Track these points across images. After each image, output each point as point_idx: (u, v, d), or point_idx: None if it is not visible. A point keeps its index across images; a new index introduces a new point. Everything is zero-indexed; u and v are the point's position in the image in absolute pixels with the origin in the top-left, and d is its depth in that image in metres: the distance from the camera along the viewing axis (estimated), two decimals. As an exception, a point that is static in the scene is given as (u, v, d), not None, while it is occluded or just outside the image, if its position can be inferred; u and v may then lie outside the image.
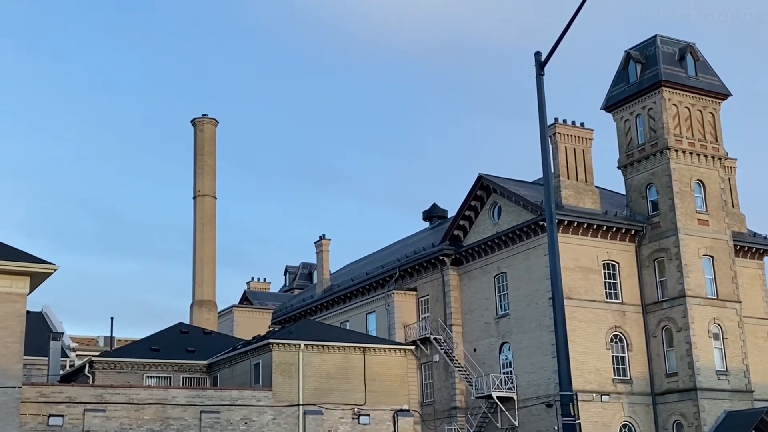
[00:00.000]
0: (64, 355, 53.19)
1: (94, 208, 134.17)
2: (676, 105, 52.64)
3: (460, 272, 56.07)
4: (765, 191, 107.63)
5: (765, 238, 57.47)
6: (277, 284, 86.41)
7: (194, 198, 66.12)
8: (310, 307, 67.38)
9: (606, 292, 50.64)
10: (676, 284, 49.86)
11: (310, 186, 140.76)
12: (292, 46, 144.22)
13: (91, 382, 41.99)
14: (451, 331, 55.18)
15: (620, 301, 50.92)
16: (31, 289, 32.48)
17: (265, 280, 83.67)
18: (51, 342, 44.94)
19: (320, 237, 68.10)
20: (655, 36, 54.08)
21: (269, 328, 67.62)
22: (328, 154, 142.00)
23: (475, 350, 54.20)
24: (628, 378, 49.65)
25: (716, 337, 49.96)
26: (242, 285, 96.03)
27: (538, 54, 20.73)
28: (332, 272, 72.64)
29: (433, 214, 69.78)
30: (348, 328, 58.71)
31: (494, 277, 53.65)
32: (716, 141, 53.32)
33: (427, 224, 70.47)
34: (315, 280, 75.29)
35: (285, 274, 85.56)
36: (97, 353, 50.02)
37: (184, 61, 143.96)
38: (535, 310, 50.37)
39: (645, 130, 52.85)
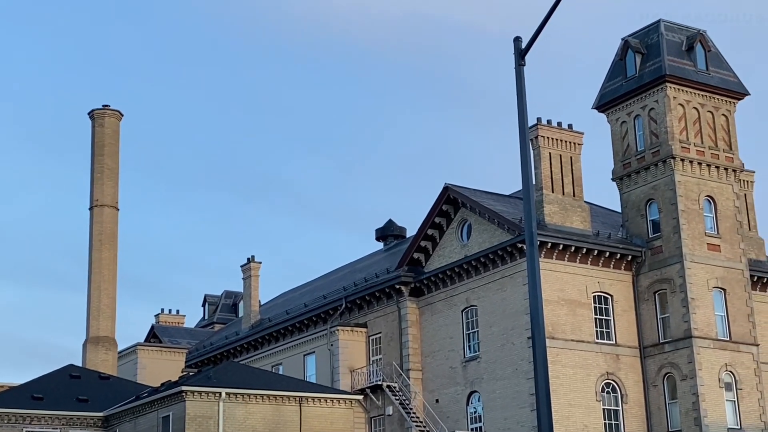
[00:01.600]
0: None
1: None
2: (682, 105, 53.52)
3: (420, 305, 56.21)
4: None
5: (787, 267, 58.52)
6: (194, 317, 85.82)
7: (90, 209, 65.35)
8: (235, 346, 66.99)
9: (597, 331, 51.17)
10: (681, 322, 50.59)
11: (238, 198, 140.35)
12: (222, 31, 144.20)
13: (-45, 439, 41.13)
14: (409, 378, 55.22)
15: (614, 342, 51.48)
16: None
17: (178, 312, 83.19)
18: None
19: (248, 260, 67.82)
20: (659, 21, 54.97)
21: (182, 372, 66.98)
22: (260, 160, 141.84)
23: (437, 401, 54.30)
24: (623, 436, 50.18)
25: (728, 387, 50.76)
26: (149, 318, 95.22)
27: (517, 40, 20.90)
28: (263, 303, 72.36)
29: (388, 232, 69.96)
30: (281, 372, 58.46)
31: (462, 311, 53.88)
32: (730, 149, 54.33)
33: (381, 245, 70.61)
34: (241, 313, 74.89)
35: (204, 305, 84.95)
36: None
37: (84, 44, 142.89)
38: (511, 353, 50.67)
39: (645, 135, 53.65)
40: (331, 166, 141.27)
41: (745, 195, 58.57)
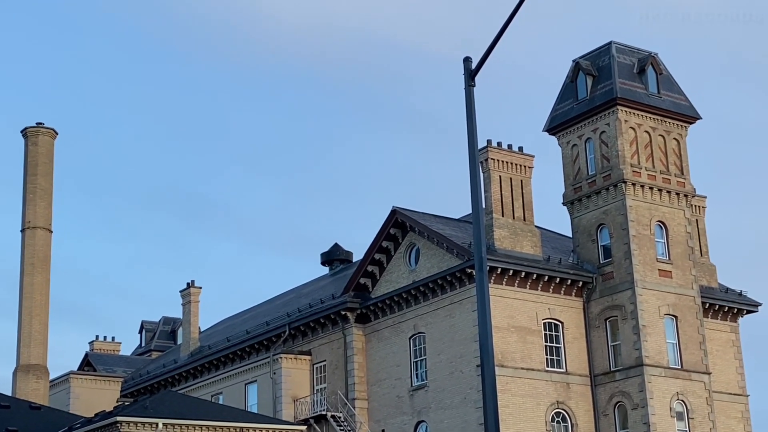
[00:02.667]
0: None
1: None
2: (633, 128, 54.37)
3: (366, 331, 56.26)
4: (740, 237, 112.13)
5: (740, 294, 59.54)
6: (130, 345, 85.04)
7: (22, 231, 64.58)
8: (173, 374, 66.47)
9: (547, 359, 51.61)
10: (632, 350, 51.20)
11: (179, 222, 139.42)
12: (164, 51, 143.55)
13: None
14: (354, 407, 55.17)
15: (564, 370, 51.96)
16: None
17: (114, 339, 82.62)
18: None
19: (188, 284, 67.41)
20: (610, 43, 55.89)
21: (118, 401, 66.32)
22: (203, 183, 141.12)
23: (383, 431, 54.29)
24: (573, 467, 50.60)
25: (680, 416, 51.40)
26: (83, 345, 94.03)
27: (467, 60, 21.17)
28: (202, 330, 71.91)
29: (334, 257, 70.00)
30: (221, 402, 58.04)
31: (409, 338, 54.03)
32: (682, 174, 55.26)
33: (326, 270, 70.58)
34: (179, 340, 74.32)
35: (141, 332, 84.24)
36: None
37: (18, 61, 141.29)
38: (460, 381, 50.90)
39: (596, 159, 54.37)
40: (275, 189, 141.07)
41: (697, 220, 59.40)
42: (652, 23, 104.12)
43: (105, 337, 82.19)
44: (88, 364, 76.84)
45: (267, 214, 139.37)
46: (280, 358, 57.56)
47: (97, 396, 69.60)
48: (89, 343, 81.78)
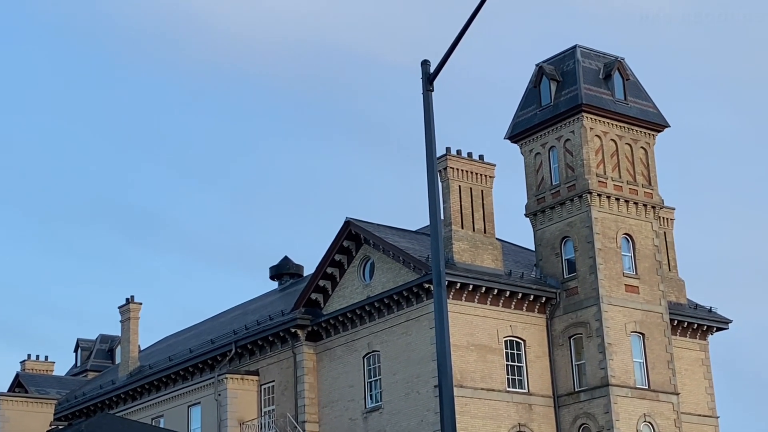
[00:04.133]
0: None
1: None
2: (599, 136, 54.43)
3: (318, 350, 55.83)
4: (710, 251, 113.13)
5: (710, 311, 59.83)
6: (65, 364, 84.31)
7: (-51, 242, 63.52)
8: (110, 396, 65.60)
9: (508, 379, 51.46)
10: (597, 369, 51.18)
11: (117, 237, 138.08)
12: (103, 59, 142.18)
13: None
14: (304, 431, 54.71)
15: (526, 390, 51.82)
16: None
17: (47, 358, 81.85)
18: None
19: (127, 300, 66.65)
20: (575, 47, 55.97)
21: (51, 425, 65.53)
22: (141, 195, 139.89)
23: (335, 456, 53.90)
24: (536, 493, 50.45)
25: (647, 438, 51.45)
26: (14, 365, 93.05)
27: (425, 63, 20.99)
28: (142, 349, 71.15)
29: (283, 271, 69.58)
30: (162, 425, 57.51)
31: (363, 357, 53.66)
32: (649, 184, 55.40)
33: (275, 285, 70.13)
34: (118, 360, 73.63)
35: (76, 351, 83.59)
36: None
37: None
38: (417, 402, 50.59)
39: (560, 168, 54.36)
40: (221, 201, 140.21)
41: (665, 233, 59.56)
42: (648, 25, 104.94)
43: (37, 356, 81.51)
44: (19, 385, 75.88)
45: (212, 226, 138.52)
46: (226, 378, 57.00)
47: (29, 419, 68.77)
48: (20, 362, 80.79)
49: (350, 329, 54.33)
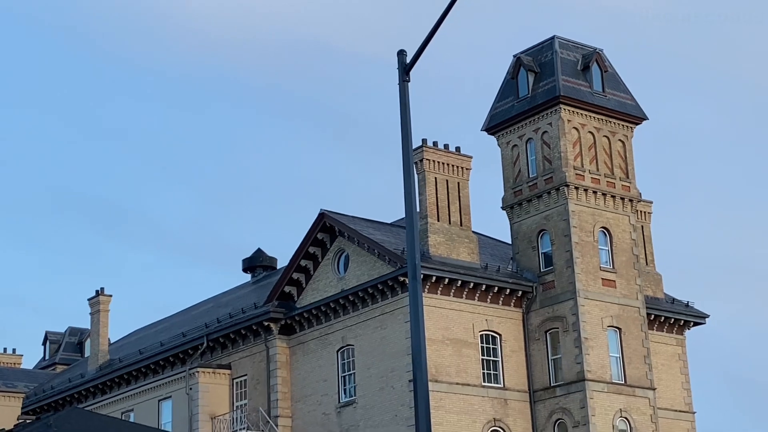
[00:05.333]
0: None
1: None
2: (577, 128, 54.78)
3: (291, 344, 55.97)
4: (687, 245, 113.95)
5: (687, 305, 60.32)
6: (33, 358, 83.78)
7: None
8: (79, 390, 65.52)
9: (484, 374, 51.81)
10: (574, 364, 51.61)
11: (88, 230, 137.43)
12: (76, 53, 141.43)
13: None
14: (277, 425, 54.86)
15: (502, 385, 52.18)
16: None
17: (15, 351, 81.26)
18: None
19: (97, 292, 66.50)
20: (553, 38, 56.26)
21: (19, 419, 65.25)
22: (112, 188, 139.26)
23: (308, 451, 54.10)
24: (511, 488, 50.85)
25: (623, 433, 51.92)
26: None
27: (402, 54, 21.19)
28: (112, 342, 71.07)
29: (256, 263, 69.54)
30: (132, 420, 57.44)
31: (337, 351, 53.86)
32: (627, 177, 55.80)
33: (248, 277, 70.14)
34: (87, 353, 73.41)
35: (44, 344, 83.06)
36: None
37: None
38: (391, 397, 50.86)
39: (538, 160, 54.69)
40: (193, 193, 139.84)
41: (642, 227, 59.95)
42: (627, 18, 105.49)
43: (5, 349, 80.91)
44: (-15, 379, 75.83)
45: (184, 218, 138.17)
46: (197, 372, 57.03)
47: (-4, 413, 68.43)
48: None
49: (324, 323, 54.53)
